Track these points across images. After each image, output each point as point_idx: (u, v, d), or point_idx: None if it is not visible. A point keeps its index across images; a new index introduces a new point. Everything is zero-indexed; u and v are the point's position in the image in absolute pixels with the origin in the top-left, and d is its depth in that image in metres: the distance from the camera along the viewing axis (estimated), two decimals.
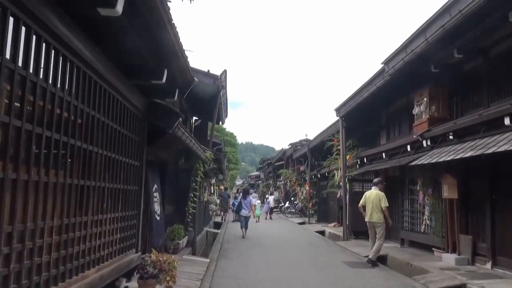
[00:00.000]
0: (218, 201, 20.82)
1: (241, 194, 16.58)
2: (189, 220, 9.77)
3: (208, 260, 8.94)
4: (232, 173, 44.82)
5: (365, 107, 13.06)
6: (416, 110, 10.33)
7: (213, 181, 18.75)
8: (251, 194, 25.87)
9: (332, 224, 18.63)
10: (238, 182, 71.75)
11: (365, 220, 9.60)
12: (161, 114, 5.51)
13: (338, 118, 14.74)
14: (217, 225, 20.39)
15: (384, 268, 8.89)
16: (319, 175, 21.52)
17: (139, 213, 5.37)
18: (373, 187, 9.61)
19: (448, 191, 8.81)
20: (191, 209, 9.68)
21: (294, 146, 28.69)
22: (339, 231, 16.25)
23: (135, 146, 5.30)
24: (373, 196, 9.44)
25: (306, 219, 22.47)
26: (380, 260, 10.07)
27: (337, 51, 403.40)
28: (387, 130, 13.78)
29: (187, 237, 10.01)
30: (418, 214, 10.93)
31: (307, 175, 23.09)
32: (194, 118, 16.42)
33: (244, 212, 15.33)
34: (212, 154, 10.57)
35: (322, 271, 8.10)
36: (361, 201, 9.85)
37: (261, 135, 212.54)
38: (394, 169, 11.92)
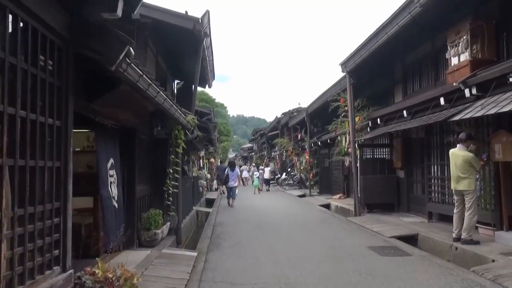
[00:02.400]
0: (208, 176, 18.77)
1: (228, 167, 17.11)
2: (170, 203, 7.67)
3: (196, 254, 6.90)
4: (223, 145, 42.67)
5: (377, 58, 10.91)
6: (451, 53, 8.18)
7: (202, 153, 16.62)
8: (241, 167, 25.30)
9: (337, 196, 16.73)
10: (231, 155, 69.75)
11: (451, 187, 7.32)
12: (96, 40, 3.30)
13: (344, 74, 12.52)
14: (210, 202, 18.42)
15: (421, 254, 6.91)
16: (319, 143, 19.46)
17: (64, 206, 3.23)
18: (458, 146, 7.17)
19: (503, 152, 6.77)
20: (170, 188, 7.57)
21: (289, 113, 26.53)
22: (346, 203, 14.38)
23: (52, 94, 3.12)
24: (458, 157, 7.02)
25: (306, 191, 20.58)
26: (409, 241, 8.15)
27: (328, 14, 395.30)
28: (404, 85, 11.66)
29: (168, 223, 7.97)
30: None
31: (306, 143, 21.03)
32: (176, 81, 14.18)
33: (231, 184, 15.87)
34: (196, 119, 8.38)
35: (347, 265, 6.09)
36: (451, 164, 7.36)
37: (252, 107, 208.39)
38: (418, 130, 9.87)
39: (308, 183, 20.87)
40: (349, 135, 12.78)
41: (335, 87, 14.84)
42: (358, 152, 12.31)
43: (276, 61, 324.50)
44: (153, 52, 10.09)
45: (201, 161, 16.92)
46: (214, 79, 14.34)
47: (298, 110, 24.97)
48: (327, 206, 15.64)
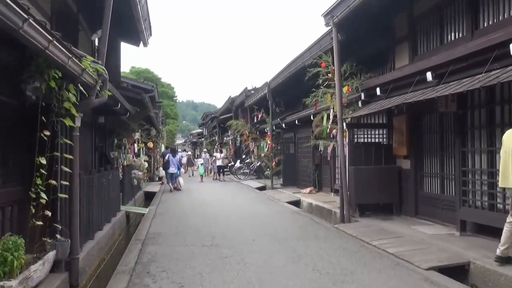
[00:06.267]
0: (146, 164, 14.99)
1: (169, 152, 16.96)
2: (42, 223, 4.00)
3: None
4: (170, 128, 38.46)
5: (375, 7, 7.84)
6: None
7: (137, 136, 12.81)
8: (180, 152, 24.91)
9: (307, 190, 13.62)
10: (179, 140, 65.40)
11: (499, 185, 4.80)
12: None
13: (328, 28, 9.23)
14: (150, 197, 14.70)
15: None
16: (283, 125, 16.21)
17: None
18: None
19: None
20: (43, 194, 3.88)
21: (246, 92, 23.08)
22: (321, 200, 11.34)
23: None
24: None
25: (267, 182, 17.32)
26: (454, 273, 5.07)
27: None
28: (412, 43, 8.56)
29: (52, 253, 4.36)
30: None
31: (267, 126, 17.68)
32: (96, 35, 10.25)
33: (171, 169, 16.19)
34: (97, 67, 4.59)
35: None
36: (501, 150, 4.86)
37: (203, 93, 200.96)
38: (448, 101, 6.77)
39: (269, 173, 17.57)
40: (333, 111, 9.57)
41: (310, 51, 11.51)
42: (346, 134, 9.14)
43: (228, 45, 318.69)
44: None
45: (136, 145, 13.10)
46: (151, 35, 10.54)
47: (256, 89, 21.63)
48: (297, 203, 12.46)
